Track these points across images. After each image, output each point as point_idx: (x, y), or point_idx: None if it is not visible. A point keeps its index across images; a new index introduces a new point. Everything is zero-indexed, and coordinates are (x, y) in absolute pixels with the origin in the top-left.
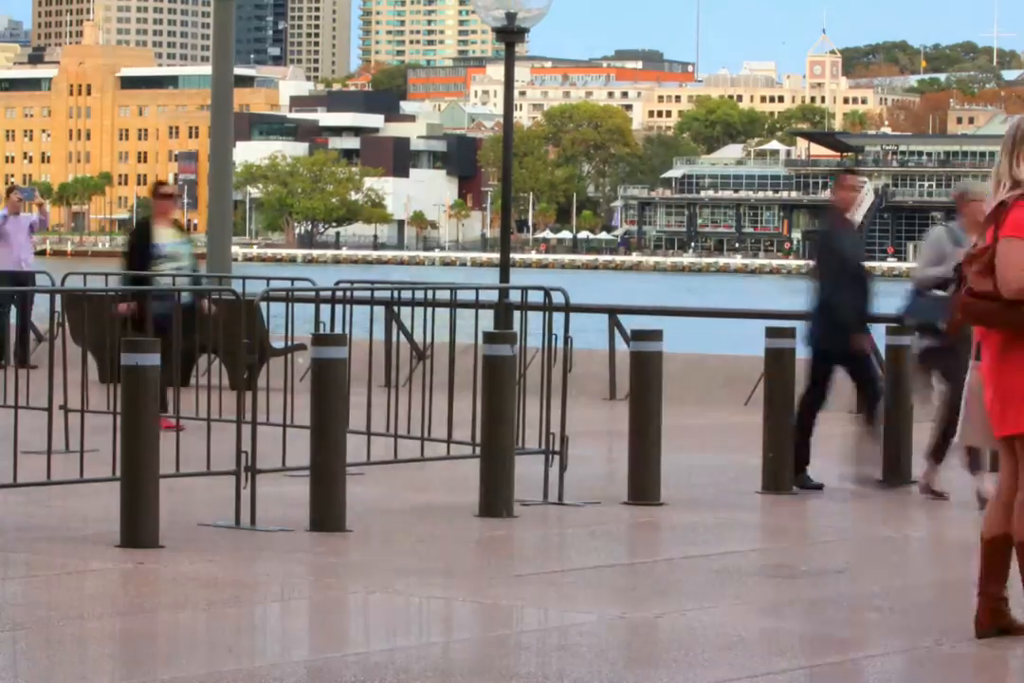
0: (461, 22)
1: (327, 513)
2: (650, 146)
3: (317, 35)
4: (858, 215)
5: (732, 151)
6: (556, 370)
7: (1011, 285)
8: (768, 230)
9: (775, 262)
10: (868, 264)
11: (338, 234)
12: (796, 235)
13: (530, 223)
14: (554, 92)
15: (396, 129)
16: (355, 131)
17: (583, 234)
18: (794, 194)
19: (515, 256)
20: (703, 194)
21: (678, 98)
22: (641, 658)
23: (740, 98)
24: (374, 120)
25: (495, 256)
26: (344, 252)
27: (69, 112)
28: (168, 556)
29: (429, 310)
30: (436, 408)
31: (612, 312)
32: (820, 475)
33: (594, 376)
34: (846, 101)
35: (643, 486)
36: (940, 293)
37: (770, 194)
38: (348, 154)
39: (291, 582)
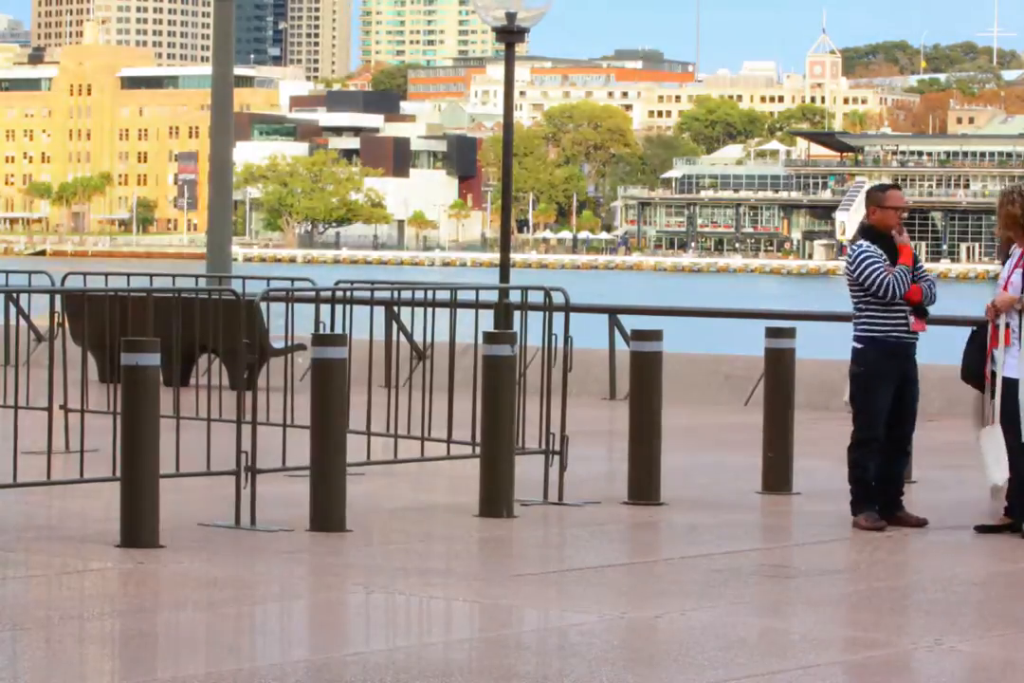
0: (461, 22)
1: (327, 513)
2: (650, 146)
3: (317, 35)
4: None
5: (732, 151)
6: (556, 370)
7: None
8: (768, 230)
9: (775, 262)
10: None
11: (338, 234)
12: (796, 235)
13: (530, 223)
14: (554, 92)
15: (396, 129)
16: (355, 131)
17: (583, 234)
18: (794, 194)
19: (515, 256)
20: (703, 194)
21: (678, 98)
22: (641, 658)
23: (740, 98)
24: (374, 120)
25: (495, 256)
26: (344, 252)
27: (69, 112)
28: (168, 556)
29: (429, 310)
30: (436, 408)
31: (612, 312)
32: (820, 475)
33: (594, 376)
34: (846, 101)
35: (643, 486)
36: None
37: (770, 194)
38: (348, 154)
39: (291, 582)
